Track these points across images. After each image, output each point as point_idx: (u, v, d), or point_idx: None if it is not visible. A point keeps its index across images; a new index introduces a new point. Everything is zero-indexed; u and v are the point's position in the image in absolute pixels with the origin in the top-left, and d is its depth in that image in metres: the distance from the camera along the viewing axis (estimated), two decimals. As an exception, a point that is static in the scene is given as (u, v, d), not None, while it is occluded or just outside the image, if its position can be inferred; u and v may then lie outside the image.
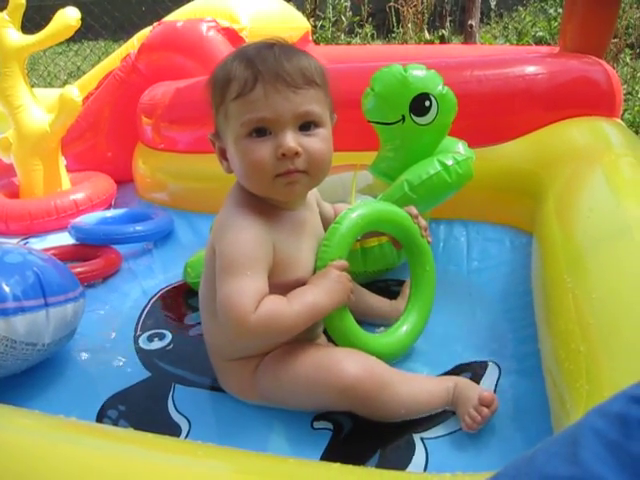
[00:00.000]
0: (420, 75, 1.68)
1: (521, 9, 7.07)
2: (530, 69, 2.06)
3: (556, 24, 5.88)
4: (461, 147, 1.75)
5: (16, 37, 2.65)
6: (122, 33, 7.33)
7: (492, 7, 7.41)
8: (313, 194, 1.45)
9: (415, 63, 1.72)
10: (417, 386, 1.28)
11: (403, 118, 1.70)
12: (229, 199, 1.33)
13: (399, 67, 1.70)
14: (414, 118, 1.69)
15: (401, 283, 1.79)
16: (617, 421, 0.51)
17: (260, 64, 1.20)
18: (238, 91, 1.21)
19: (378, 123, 1.76)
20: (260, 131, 1.21)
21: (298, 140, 1.21)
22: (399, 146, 1.75)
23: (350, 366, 1.23)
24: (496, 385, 1.37)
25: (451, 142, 1.76)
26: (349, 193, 1.76)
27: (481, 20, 6.05)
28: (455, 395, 1.27)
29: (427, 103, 1.67)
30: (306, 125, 1.23)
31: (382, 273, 1.84)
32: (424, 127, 1.70)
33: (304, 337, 1.35)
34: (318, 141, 1.24)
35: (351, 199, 1.74)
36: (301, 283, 1.33)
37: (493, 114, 2.04)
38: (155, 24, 2.96)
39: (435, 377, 1.36)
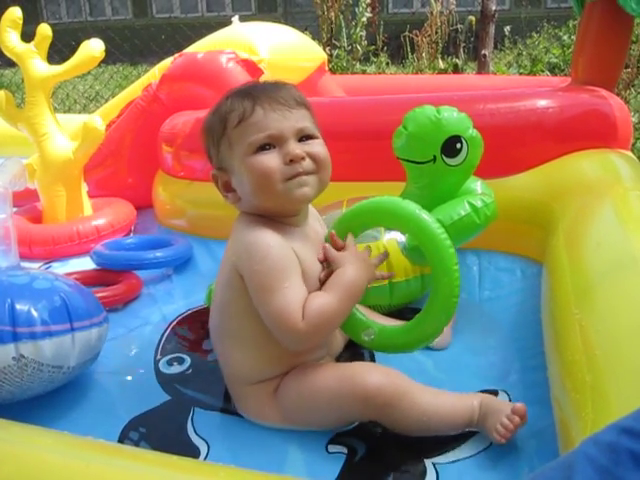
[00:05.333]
0: (453, 117, 1.71)
1: (535, 35, 7.15)
2: (541, 103, 2.11)
3: (570, 51, 5.92)
4: (479, 185, 1.79)
5: (42, 68, 2.73)
6: (140, 58, 7.48)
7: (506, 34, 7.51)
8: (316, 217, 1.53)
9: (446, 106, 1.74)
10: (439, 398, 1.32)
11: (434, 158, 1.71)
12: (240, 227, 1.40)
13: (432, 108, 1.72)
14: (445, 159, 1.71)
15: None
16: (608, 449, 0.55)
17: (255, 93, 1.34)
18: (240, 118, 1.33)
19: (409, 161, 1.77)
20: (265, 148, 1.32)
21: (301, 148, 1.32)
22: (426, 184, 1.77)
23: (372, 375, 1.29)
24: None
25: (470, 180, 1.79)
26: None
27: (495, 47, 6.12)
28: (482, 412, 1.30)
29: (458, 145, 1.69)
30: (303, 138, 1.34)
31: (404, 305, 1.89)
32: (453, 168, 1.72)
33: (310, 358, 1.41)
34: (317, 145, 1.36)
35: (381, 233, 1.81)
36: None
37: (505, 146, 2.09)
38: (176, 55, 3.02)
39: (459, 393, 1.37)
